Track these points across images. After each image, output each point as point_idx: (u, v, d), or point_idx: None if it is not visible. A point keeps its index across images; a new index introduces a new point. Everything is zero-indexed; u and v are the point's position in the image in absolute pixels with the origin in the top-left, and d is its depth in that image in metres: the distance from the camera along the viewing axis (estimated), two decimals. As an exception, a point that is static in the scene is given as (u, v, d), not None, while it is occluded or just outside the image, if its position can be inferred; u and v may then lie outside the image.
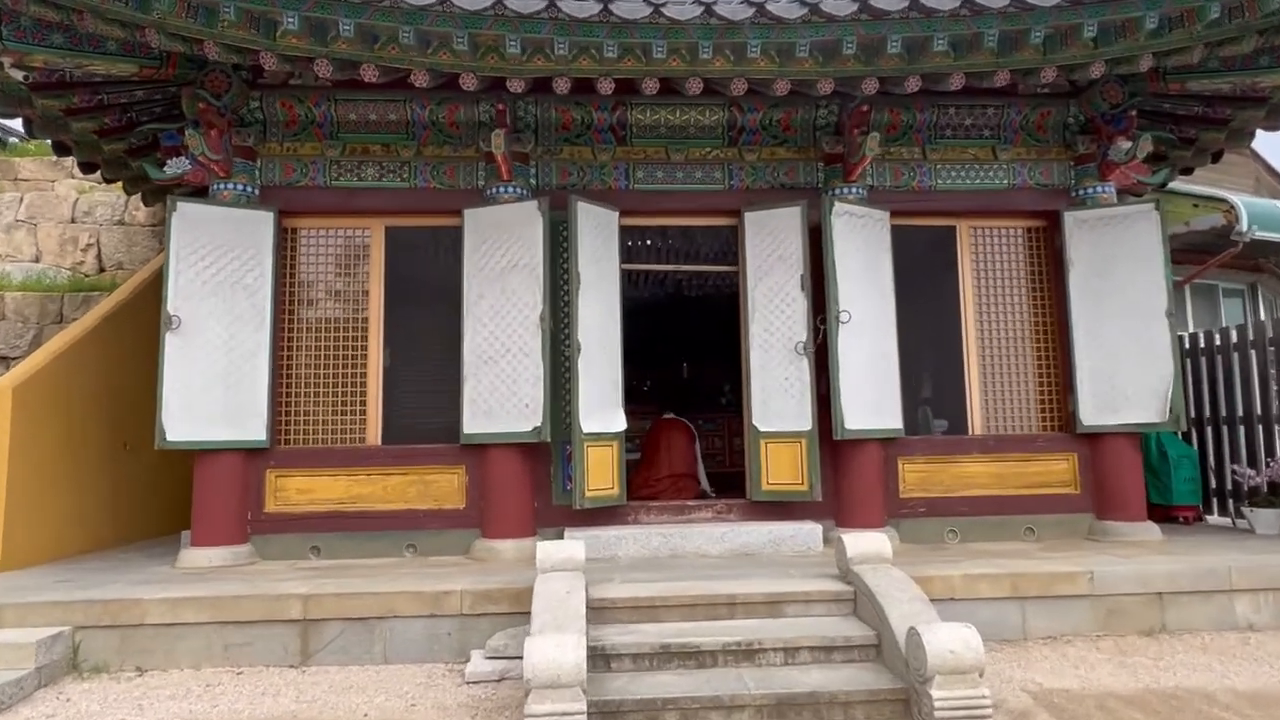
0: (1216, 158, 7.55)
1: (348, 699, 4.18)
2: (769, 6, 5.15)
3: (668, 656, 4.16)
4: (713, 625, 4.46)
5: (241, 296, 6.17)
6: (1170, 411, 6.38)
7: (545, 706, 3.40)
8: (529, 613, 4.18)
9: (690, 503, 6.70)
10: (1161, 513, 7.22)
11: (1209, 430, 7.97)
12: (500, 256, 6.33)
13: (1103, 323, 6.62)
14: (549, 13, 5.07)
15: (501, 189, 6.45)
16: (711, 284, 12.31)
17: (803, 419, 6.35)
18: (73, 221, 9.75)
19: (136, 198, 8.60)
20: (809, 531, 6.21)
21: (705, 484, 7.67)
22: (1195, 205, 9.55)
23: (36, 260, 9.60)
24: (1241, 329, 7.74)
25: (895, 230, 6.69)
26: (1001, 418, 6.89)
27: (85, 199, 9.80)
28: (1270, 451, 7.26)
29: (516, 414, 6.12)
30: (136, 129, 6.62)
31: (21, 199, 9.81)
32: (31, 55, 5.43)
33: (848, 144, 6.51)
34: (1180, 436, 7.74)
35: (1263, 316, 11.07)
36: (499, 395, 6.18)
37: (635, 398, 8.41)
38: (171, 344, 5.96)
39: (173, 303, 5.99)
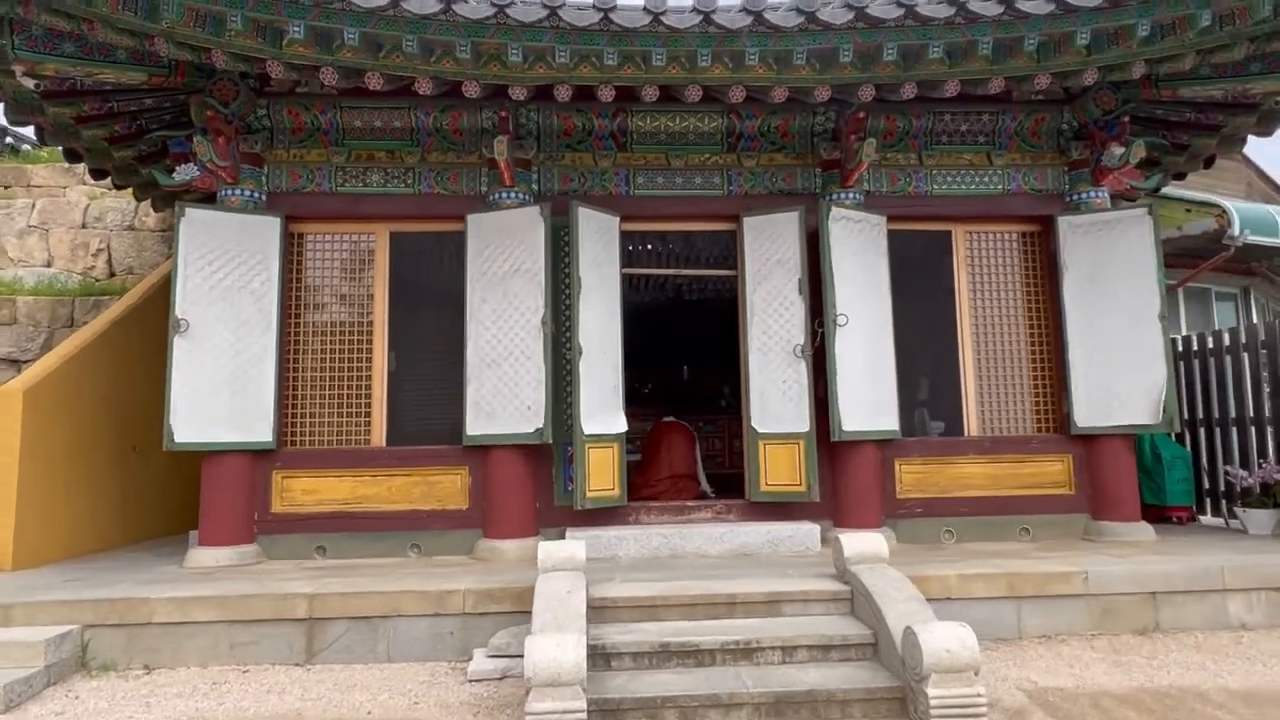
0: (1209, 163, 7.61)
1: (352, 697, 4.23)
2: (767, 15, 5.21)
3: (667, 655, 4.20)
4: (712, 624, 4.51)
5: (248, 301, 6.24)
6: (1163, 413, 6.44)
7: (546, 704, 3.45)
8: (531, 612, 4.23)
9: (690, 503, 6.75)
10: (1155, 513, 7.26)
11: (1202, 432, 8.03)
12: (503, 261, 6.40)
13: (1097, 326, 6.68)
14: (550, 21, 5.14)
15: (504, 195, 6.53)
16: (711, 288, 12.36)
17: (801, 421, 6.42)
18: (84, 227, 9.84)
19: (146, 204, 8.69)
20: (807, 532, 6.28)
21: (705, 485, 7.72)
22: (1188, 210, 9.63)
23: (48, 265, 9.69)
24: (1234, 332, 7.80)
25: (892, 235, 6.75)
26: (997, 419, 6.95)
27: (96, 205, 9.89)
28: (1262, 453, 7.32)
29: (519, 416, 6.19)
30: (146, 136, 6.72)
31: (34, 205, 9.91)
32: (43, 64, 5.53)
33: (845, 150, 6.59)
34: (1174, 438, 7.81)
35: (1255, 320, 11.07)
36: (501, 397, 6.25)
37: (636, 400, 8.48)
38: (180, 347, 6.04)
39: (181, 307, 6.06)
